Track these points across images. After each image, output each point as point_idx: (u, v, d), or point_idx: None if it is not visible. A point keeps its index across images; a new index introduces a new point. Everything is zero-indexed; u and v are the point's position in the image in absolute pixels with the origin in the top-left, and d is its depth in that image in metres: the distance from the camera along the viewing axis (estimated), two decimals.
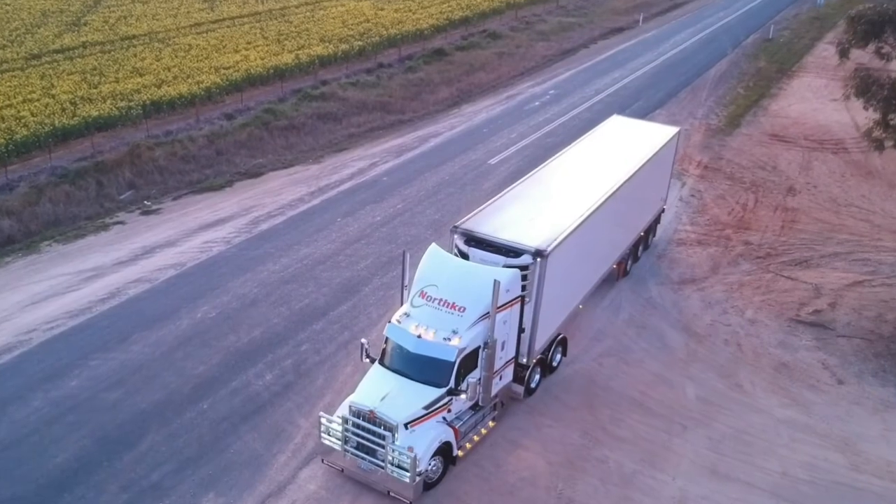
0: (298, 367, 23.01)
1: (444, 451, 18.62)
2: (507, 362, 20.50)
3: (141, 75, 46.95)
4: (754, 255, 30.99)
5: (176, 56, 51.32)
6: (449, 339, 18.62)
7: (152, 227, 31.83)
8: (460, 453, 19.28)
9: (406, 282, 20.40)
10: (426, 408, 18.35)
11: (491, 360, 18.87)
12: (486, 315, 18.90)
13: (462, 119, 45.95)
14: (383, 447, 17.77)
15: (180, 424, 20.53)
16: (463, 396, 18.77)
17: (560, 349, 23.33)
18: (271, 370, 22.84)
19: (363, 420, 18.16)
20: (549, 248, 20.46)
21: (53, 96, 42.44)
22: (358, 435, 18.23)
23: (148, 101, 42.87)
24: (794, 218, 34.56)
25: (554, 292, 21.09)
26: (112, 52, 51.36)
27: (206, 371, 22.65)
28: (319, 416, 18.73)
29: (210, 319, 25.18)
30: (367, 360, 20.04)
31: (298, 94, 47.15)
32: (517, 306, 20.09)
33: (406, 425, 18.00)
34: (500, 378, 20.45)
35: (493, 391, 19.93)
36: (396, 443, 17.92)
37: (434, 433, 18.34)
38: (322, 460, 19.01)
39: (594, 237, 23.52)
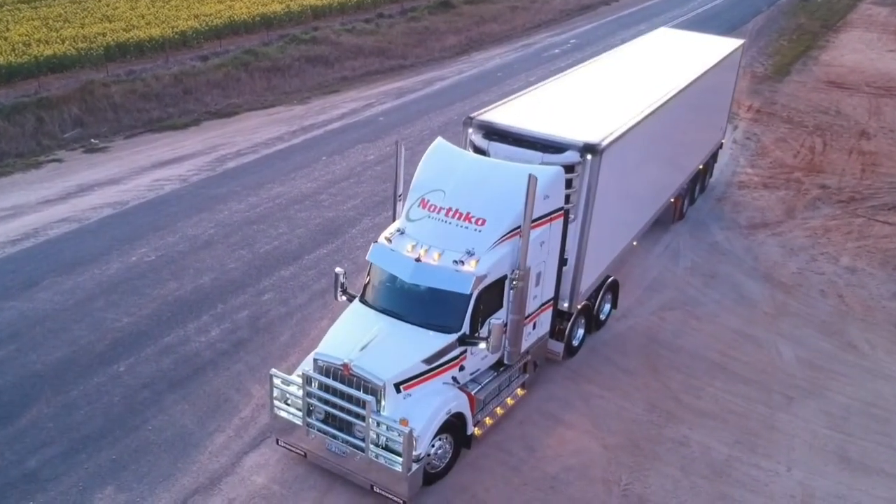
0: (256, 320, 16.88)
1: (453, 427, 12.56)
2: (543, 305, 14.34)
3: (110, 21, 41.09)
4: (835, 198, 25.47)
5: (153, 5, 45.40)
6: (462, 263, 12.47)
7: (95, 165, 25.94)
8: (477, 431, 13.10)
9: (400, 189, 14.20)
10: (427, 362, 12.19)
11: (522, 297, 12.78)
12: (514, 231, 12.82)
13: (472, 65, 40.16)
14: (363, 420, 11.56)
15: (82, 392, 14.52)
16: (482, 346, 12.60)
17: (610, 297, 17.14)
18: (219, 324, 16.75)
19: (334, 379, 11.97)
20: (603, 142, 14.20)
21: (6, 38, 36.49)
22: (326, 402, 12.11)
23: (112, 43, 36.91)
24: (875, 161, 29.22)
25: (606, 211, 15.05)
26: (82, 3, 45.40)
27: (130, 324, 16.57)
28: (270, 375, 12.49)
29: (147, 263, 19.14)
30: (345, 298, 13.82)
31: (286, 38, 41.14)
32: (558, 223, 13.92)
33: (398, 386, 11.88)
34: (534, 327, 14.29)
35: (525, 344, 13.79)
36: (383, 412, 11.81)
37: (439, 400, 12.25)
38: (277, 441, 12.90)
39: (653, 146, 17.69)
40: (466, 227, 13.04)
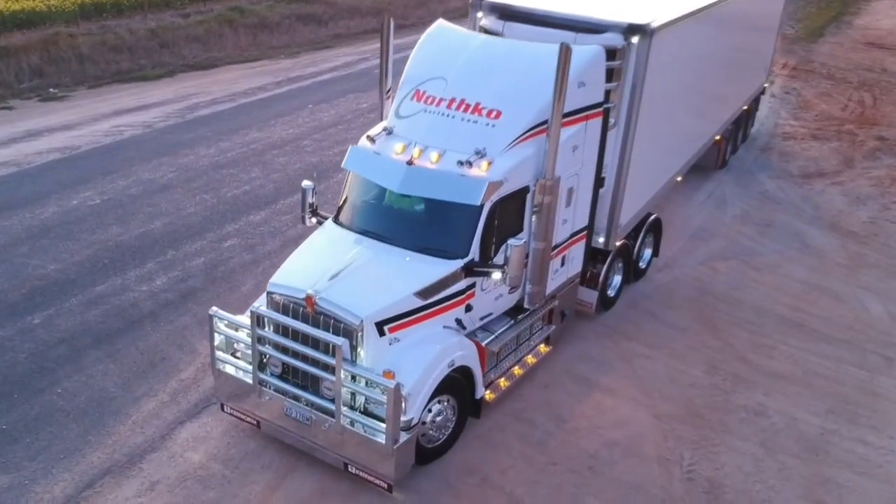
0: (214, 267, 13.47)
1: (457, 388, 9.20)
2: (574, 236, 10.93)
3: None
4: None
5: None
6: (469, 166, 9.01)
7: (49, 112, 22.63)
8: (489, 395, 9.66)
9: (388, 82, 10.78)
10: (422, 296, 8.73)
11: (549, 217, 9.34)
12: (539, 127, 9.40)
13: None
14: (333, 372, 8.06)
15: None
16: (495, 277, 9.16)
17: (651, 240, 13.66)
18: (167, 272, 13.32)
19: (293, 318, 8.49)
20: (653, 23, 10.75)
21: None
22: (284, 350, 8.57)
23: (87, 0, 33.52)
24: None
25: (652, 118, 11.67)
26: None
27: (56, 271, 13.17)
28: (210, 316, 9.05)
29: (89, 208, 15.74)
30: (314, 221, 10.37)
31: None
32: (596, 125, 10.51)
33: (380, 327, 8.41)
34: (563, 263, 10.80)
35: (551, 285, 10.35)
36: (361, 362, 8.26)
37: (438, 348, 8.82)
38: (222, 407, 9.49)
39: (704, 50, 14.52)
40: (476, 122, 9.65)
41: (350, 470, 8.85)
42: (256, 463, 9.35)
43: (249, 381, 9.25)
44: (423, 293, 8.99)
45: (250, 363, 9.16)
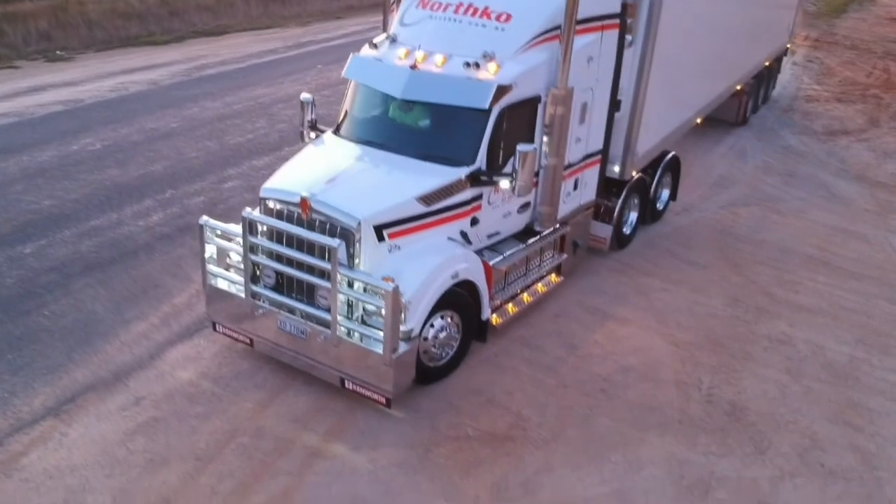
0: (213, 205, 12.98)
1: (461, 305, 8.54)
2: (588, 158, 10.34)
3: None
4: None
5: None
6: (477, 67, 8.41)
7: (55, 71, 22.26)
8: (496, 319, 9.04)
9: None
10: (424, 202, 8.15)
11: (561, 130, 8.76)
12: (551, 32, 8.74)
13: None
14: (329, 279, 7.47)
15: None
16: (504, 185, 8.51)
17: (669, 180, 13.01)
18: (165, 209, 12.82)
19: (287, 222, 7.93)
20: None
21: None
22: (278, 258, 7.99)
23: None
24: None
25: (673, 41, 11.11)
26: None
27: (51, 206, 12.69)
28: (200, 226, 8.50)
29: (89, 152, 15.29)
30: (314, 136, 9.82)
31: None
32: (612, 37, 9.94)
33: (379, 231, 7.86)
34: (576, 187, 10.15)
35: (563, 209, 9.74)
36: (358, 266, 7.67)
37: (440, 258, 8.18)
38: (214, 326, 8.90)
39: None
40: (484, 26, 9.08)
41: (347, 386, 8.30)
42: (249, 382, 8.81)
43: (242, 294, 8.69)
44: (425, 199, 8.41)
45: (242, 273, 8.58)
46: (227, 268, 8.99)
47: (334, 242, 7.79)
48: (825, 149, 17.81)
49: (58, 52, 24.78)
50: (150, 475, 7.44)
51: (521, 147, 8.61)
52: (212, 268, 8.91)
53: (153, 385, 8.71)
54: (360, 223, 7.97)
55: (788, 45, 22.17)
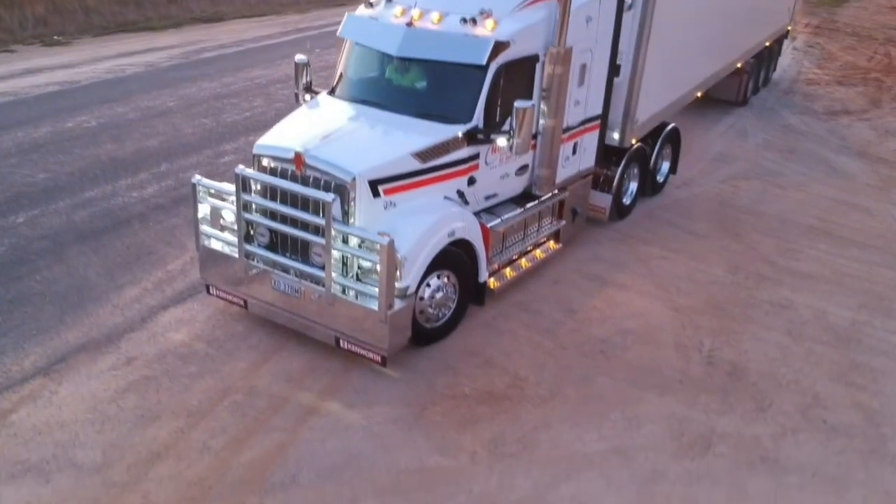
0: (209, 177, 12.60)
1: (458, 265, 8.41)
2: (587, 123, 10.13)
3: None
4: None
5: None
6: (474, 23, 8.28)
7: (51, 54, 21.98)
8: (493, 283, 8.91)
9: None
10: (421, 158, 8.04)
11: (560, 89, 8.71)
12: None
13: None
14: (323, 235, 7.34)
15: None
16: (501, 143, 8.39)
17: (669, 152, 12.88)
18: (160, 181, 12.69)
19: (282, 178, 7.79)
20: None
21: None
22: (272, 215, 7.85)
23: None
24: None
25: (672, 13, 10.90)
26: None
27: (46, 179, 12.58)
28: (193, 184, 8.36)
29: (84, 129, 15.17)
30: (308, 98, 9.68)
31: None
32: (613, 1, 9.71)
33: (374, 187, 7.75)
34: (574, 151, 10.00)
35: (562, 173, 9.66)
36: (353, 221, 7.54)
37: (437, 215, 8.00)
38: (208, 289, 8.75)
39: None
40: None
41: (342, 345, 8.16)
42: (243, 343, 8.68)
43: (236, 255, 8.55)
44: (421, 155, 8.28)
45: (236, 236, 8.45)
46: (221, 228, 8.86)
47: (328, 197, 7.66)
48: (826, 127, 17.68)
49: (55, 38, 24.62)
50: (140, 430, 7.31)
51: (518, 103, 8.49)
52: (205, 228, 8.78)
53: (145, 346, 8.58)
54: (354, 178, 7.84)
55: (789, 28, 22.01)
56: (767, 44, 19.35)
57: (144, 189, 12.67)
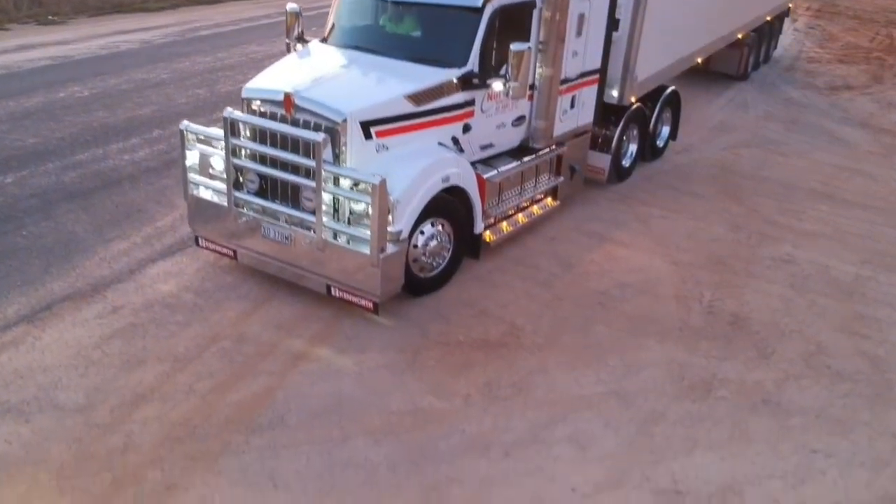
0: None
1: (453, 214, 8.15)
2: (585, 76, 9.87)
3: None
4: None
5: None
6: None
7: (46, 32, 21.79)
8: (489, 236, 8.69)
9: None
10: (414, 101, 7.83)
11: (558, 37, 8.45)
12: None
13: None
14: (314, 178, 7.15)
15: None
16: (497, 87, 8.21)
17: (669, 116, 12.65)
18: (152, 146, 12.52)
19: (271, 120, 7.57)
20: None
21: None
22: (261, 160, 7.60)
23: None
24: None
25: None
26: None
27: (36, 144, 12.41)
28: (181, 130, 8.15)
29: (77, 98, 14.99)
30: (300, 47, 9.45)
31: None
32: None
33: (367, 129, 7.49)
34: (573, 105, 9.81)
35: (560, 127, 9.42)
36: (344, 162, 7.32)
37: (431, 160, 7.85)
38: (197, 241, 8.53)
39: None
40: None
41: (333, 293, 7.95)
42: (232, 293, 8.48)
43: (225, 203, 8.33)
44: (414, 98, 8.07)
45: (225, 179, 8.23)
46: (210, 177, 8.63)
47: (318, 137, 7.45)
48: (828, 101, 17.49)
49: (49, 17, 24.41)
50: (125, 374, 7.10)
51: (514, 46, 8.29)
52: (193, 176, 8.57)
53: (132, 296, 8.37)
54: (346, 119, 7.63)
55: (790, 5, 21.80)
56: (768, 18, 19.14)
57: (136, 153, 12.47)
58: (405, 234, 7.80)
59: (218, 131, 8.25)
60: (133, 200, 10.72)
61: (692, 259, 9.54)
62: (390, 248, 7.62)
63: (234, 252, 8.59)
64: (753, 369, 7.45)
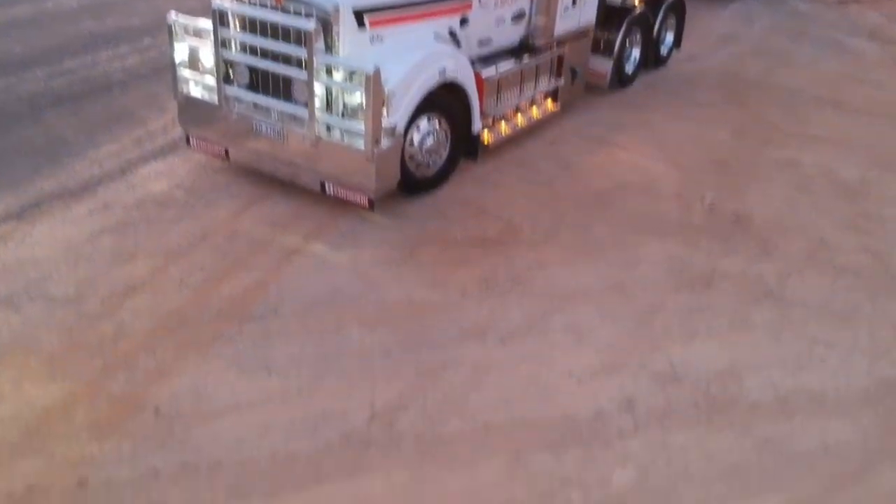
0: None
1: (450, 110, 7.84)
2: None
3: None
4: None
5: None
6: None
7: None
8: (487, 137, 8.43)
9: None
10: None
11: None
12: None
13: None
14: (306, 68, 6.89)
15: None
16: None
17: (673, 22, 12.28)
18: (142, 54, 12.26)
19: (261, 8, 7.26)
20: None
21: None
22: (252, 50, 7.34)
23: None
24: None
25: None
26: None
27: (21, 53, 12.19)
28: (168, 25, 7.84)
29: (64, 9, 14.68)
30: None
31: None
32: None
33: (360, 17, 7.16)
34: (575, 3, 9.48)
35: (562, 25, 9.27)
36: (337, 52, 7.03)
37: (427, 51, 7.52)
38: (188, 140, 8.31)
39: None
40: None
41: (327, 191, 7.77)
42: (224, 192, 8.31)
43: (215, 100, 8.09)
44: None
45: (214, 73, 7.97)
46: (200, 73, 8.36)
47: (310, 25, 7.16)
48: (836, 13, 17.11)
49: None
50: (116, 268, 6.98)
51: None
52: (183, 72, 8.29)
53: (123, 195, 8.21)
54: (338, 7, 7.32)
55: None
56: None
57: (126, 60, 12.15)
58: (400, 129, 7.59)
59: (207, 21, 7.94)
60: (124, 105, 10.47)
61: (694, 162, 9.35)
62: (385, 143, 7.43)
63: (226, 151, 8.39)
64: (755, 264, 7.33)
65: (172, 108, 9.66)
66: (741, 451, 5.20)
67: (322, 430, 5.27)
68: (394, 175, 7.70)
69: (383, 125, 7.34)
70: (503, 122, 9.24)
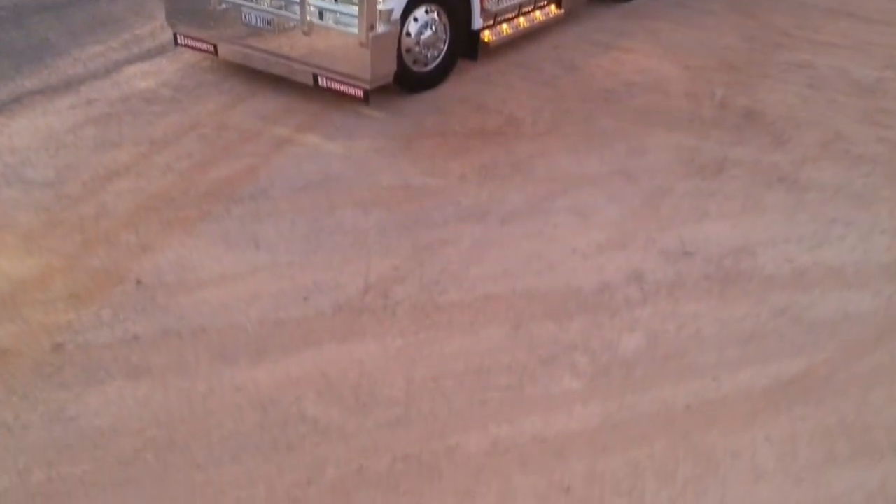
0: None
1: (450, 5, 7.59)
2: None
3: None
4: None
5: None
6: None
7: None
8: (488, 36, 8.03)
9: None
10: None
11: None
12: None
13: None
14: None
15: None
16: None
17: None
18: None
19: None
20: None
21: None
22: None
23: None
24: None
25: None
26: None
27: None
28: None
29: None
30: None
31: None
32: None
33: None
34: None
35: None
36: None
37: None
38: (176, 39, 7.92)
39: None
40: None
41: (321, 83, 7.40)
42: (213, 89, 7.96)
43: None
44: None
45: None
46: None
47: None
48: None
49: None
50: (99, 155, 6.67)
51: None
52: None
53: (108, 91, 7.88)
54: None
55: None
56: None
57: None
58: (397, 15, 7.21)
59: None
60: (110, 12, 10.07)
61: (703, 63, 8.98)
62: (381, 28, 7.04)
63: (215, 47, 8.00)
64: (768, 153, 7.01)
65: (161, 15, 9.26)
66: (756, 320, 4.92)
67: (313, 299, 4.99)
68: (390, 65, 7.34)
69: (378, 8, 6.95)
70: (505, 23, 8.82)
